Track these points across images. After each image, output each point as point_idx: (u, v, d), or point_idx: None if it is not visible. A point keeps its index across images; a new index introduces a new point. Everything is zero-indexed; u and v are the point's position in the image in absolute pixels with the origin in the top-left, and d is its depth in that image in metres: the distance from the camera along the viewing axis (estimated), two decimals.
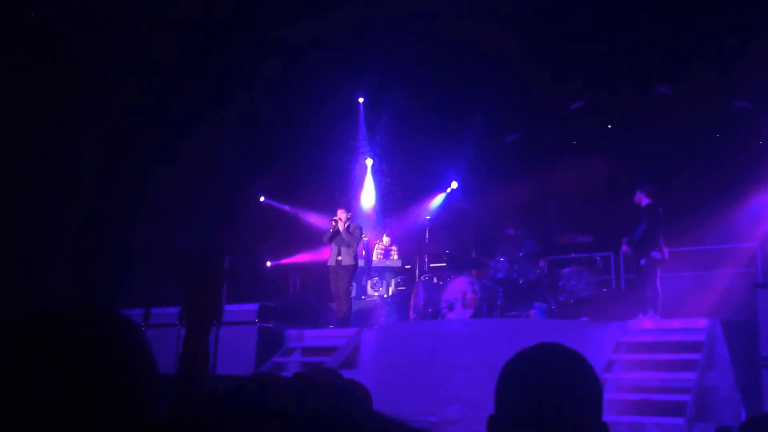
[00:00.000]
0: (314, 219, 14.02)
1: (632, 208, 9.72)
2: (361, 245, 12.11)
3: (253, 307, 10.67)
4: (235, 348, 10.22)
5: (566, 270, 10.52)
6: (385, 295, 12.78)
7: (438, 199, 15.40)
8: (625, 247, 9.68)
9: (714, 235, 11.30)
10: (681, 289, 10.17)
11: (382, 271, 13.11)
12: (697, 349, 7.87)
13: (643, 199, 9.56)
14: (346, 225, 11.04)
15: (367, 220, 14.59)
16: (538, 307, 10.15)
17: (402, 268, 13.23)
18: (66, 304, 1.16)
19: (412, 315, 11.54)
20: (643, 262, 9.41)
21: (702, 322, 8.13)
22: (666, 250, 9.40)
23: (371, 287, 12.95)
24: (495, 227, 11.90)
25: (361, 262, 12.21)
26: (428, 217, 13.80)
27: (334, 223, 11.09)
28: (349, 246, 10.98)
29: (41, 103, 11.61)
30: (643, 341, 8.45)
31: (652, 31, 11.62)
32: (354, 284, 11.89)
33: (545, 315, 10.04)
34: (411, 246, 13.60)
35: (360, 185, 15.52)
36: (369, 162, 15.64)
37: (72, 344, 1.09)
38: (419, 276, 12.39)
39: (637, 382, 8.04)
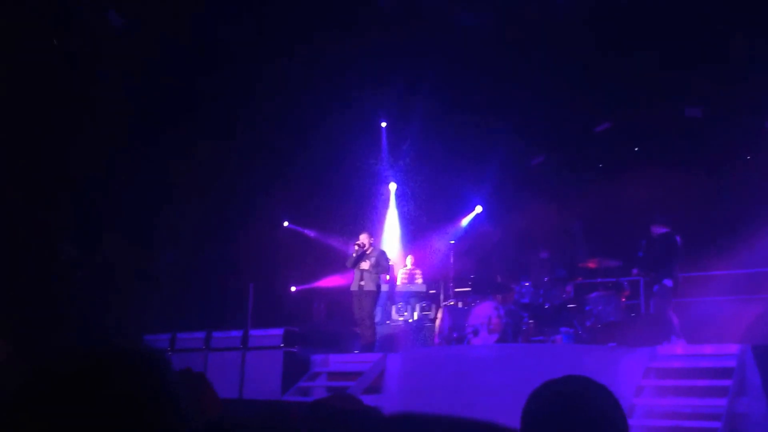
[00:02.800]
0: (338, 243, 14.05)
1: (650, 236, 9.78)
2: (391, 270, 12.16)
3: (278, 332, 10.69)
4: (261, 373, 10.23)
5: (593, 294, 10.41)
6: (410, 320, 12.72)
7: (462, 224, 15.37)
8: (635, 271, 9.74)
9: (745, 260, 11.13)
10: (712, 314, 10.04)
11: (407, 296, 13.06)
12: (728, 375, 7.73)
13: (658, 229, 9.64)
14: (369, 251, 11.06)
15: (390, 244, 14.58)
16: (565, 332, 10.04)
17: (426, 292, 13.17)
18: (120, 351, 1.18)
19: (437, 340, 11.48)
20: (656, 288, 9.41)
21: (733, 348, 7.98)
22: (679, 278, 9.42)
23: (396, 312, 12.91)
24: (526, 251, 11.83)
25: (385, 287, 12.19)
26: (452, 242, 13.75)
27: (357, 248, 11.11)
28: (373, 272, 11.00)
29: (66, 137, 11.82)
30: (672, 367, 8.32)
31: (681, 52, 11.56)
32: (379, 309, 11.87)
33: (571, 340, 9.94)
34: (435, 271, 13.55)
35: (384, 210, 15.54)
36: (392, 186, 15.66)
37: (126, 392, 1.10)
38: (444, 301, 12.34)
39: (668, 408, 7.91)
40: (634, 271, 9.92)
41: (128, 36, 11.56)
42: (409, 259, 13.74)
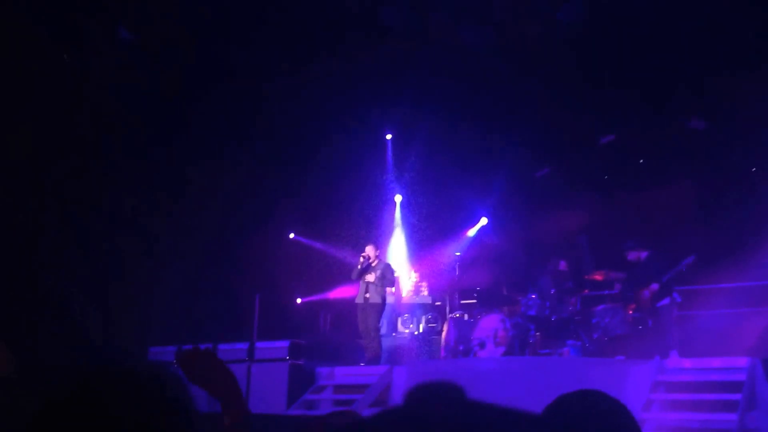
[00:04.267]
0: (344, 255, 14.02)
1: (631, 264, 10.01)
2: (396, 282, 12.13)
3: (284, 344, 10.67)
4: (266, 385, 10.19)
5: (600, 307, 10.37)
6: (416, 332, 12.68)
7: (468, 235, 15.33)
8: (656, 286, 9.70)
9: (753, 272, 11.09)
10: (720, 327, 10.00)
11: (413, 308, 13.03)
12: (737, 389, 7.69)
13: (640, 254, 9.83)
14: (374, 264, 11.04)
15: (396, 256, 14.55)
16: (571, 344, 10.00)
17: (432, 305, 13.14)
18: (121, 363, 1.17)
19: (443, 353, 11.44)
20: (667, 301, 9.46)
21: (742, 362, 7.95)
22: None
23: (401, 324, 12.87)
24: (539, 262, 11.77)
25: (391, 299, 12.16)
26: (458, 254, 13.72)
27: (362, 260, 11.10)
28: (378, 285, 10.97)
29: (72, 140, 11.85)
30: (681, 381, 8.28)
31: (686, 64, 11.57)
32: (384, 321, 11.84)
33: (579, 353, 9.90)
34: (441, 283, 13.52)
35: (389, 221, 15.52)
36: (398, 198, 15.65)
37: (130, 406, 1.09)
38: (450, 313, 12.30)
39: (677, 423, 7.86)
40: (655, 287, 9.86)
41: (139, 51, 11.61)
42: (414, 274, 13.72)
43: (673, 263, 9.66)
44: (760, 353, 8.30)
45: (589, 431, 1.65)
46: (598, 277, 11.02)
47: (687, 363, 8.58)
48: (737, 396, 7.58)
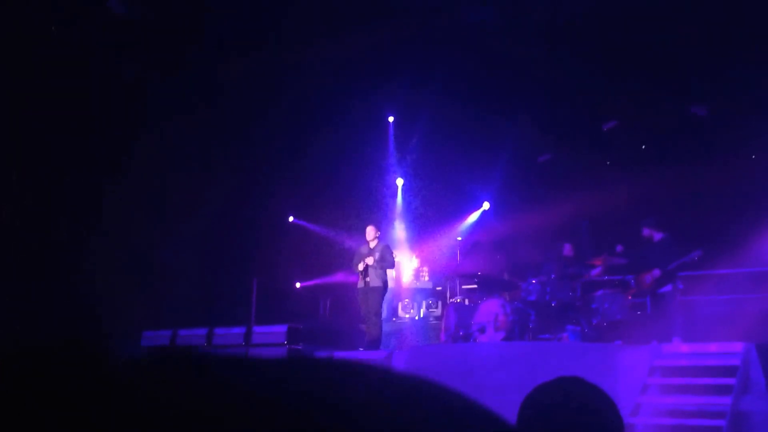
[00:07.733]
0: (344, 239, 14.02)
1: (643, 240, 9.97)
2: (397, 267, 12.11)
3: (282, 329, 10.67)
4: None
5: (599, 292, 10.37)
6: (417, 317, 12.71)
7: (470, 220, 15.32)
8: (657, 272, 9.70)
9: (749, 258, 11.07)
10: (716, 312, 10.01)
11: (413, 293, 13.05)
12: (732, 373, 7.70)
13: (654, 234, 9.78)
14: (374, 245, 11.01)
15: (397, 240, 14.55)
16: (571, 330, 10.02)
17: (433, 289, 13.14)
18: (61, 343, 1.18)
19: (443, 337, 11.46)
20: (669, 288, 9.47)
21: (737, 347, 7.95)
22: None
23: (402, 309, 12.89)
24: (544, 246, 11.75)
25: (391, 284, 12.17)
26: (459, 238, 13.71)
27: (362, 267, 10.86)
28: (378, 267, 10.94)
29: (72, 125, 11.87)
30: (677, 365, 8.30)
31: (688, 50, 11.50)
32: (385, 306, 11.84)
33: (578, 338, 9.91)
34: (442, 267, 13.53)
35: (390, 205, 15.50)
36: (400, 182, 15.63)
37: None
38: (450, 298, 12.31)
39: (672, 406, 7.89)
40: (657, 273, 9.87)
41: (136, 28, 11.57)
42: (415, 259, 13.72)
43: (683, 253, 9.67)
44: (755, 338, 8.31)
45: (569, 419, 1.65)
46: (598, 262, 11.01)
47: (683, 348, 8.60)
48: (732, 380, 7.60)
